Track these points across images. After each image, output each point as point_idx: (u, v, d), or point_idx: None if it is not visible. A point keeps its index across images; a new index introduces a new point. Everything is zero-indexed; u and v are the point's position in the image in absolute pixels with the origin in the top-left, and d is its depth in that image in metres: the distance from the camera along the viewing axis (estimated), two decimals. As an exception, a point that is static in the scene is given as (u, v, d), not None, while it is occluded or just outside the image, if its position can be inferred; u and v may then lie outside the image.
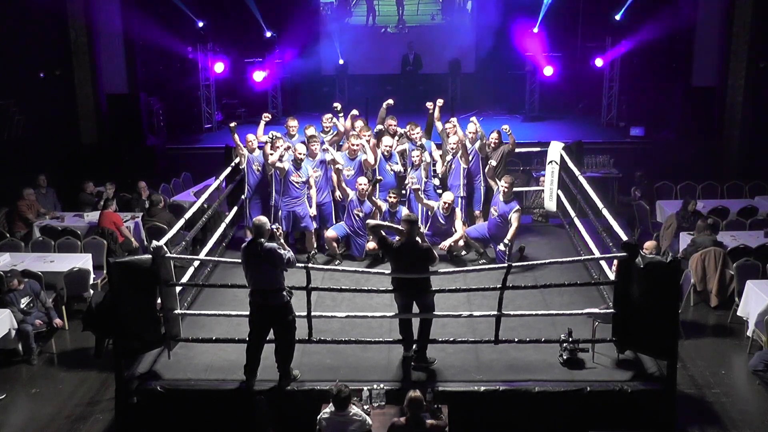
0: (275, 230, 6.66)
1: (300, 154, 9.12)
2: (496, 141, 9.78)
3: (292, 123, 10.17)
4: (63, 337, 9.05)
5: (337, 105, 10.15)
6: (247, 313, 6.61)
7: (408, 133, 9.88)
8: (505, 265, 7.13)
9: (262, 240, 6.44)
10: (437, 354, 7.09)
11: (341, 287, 7.94)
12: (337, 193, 9.49)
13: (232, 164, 9.99)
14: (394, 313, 7.18)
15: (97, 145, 15.38)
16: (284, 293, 6.46)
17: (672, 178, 13.01)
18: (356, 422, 5.76)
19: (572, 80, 17.47)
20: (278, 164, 9.11)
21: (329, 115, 10.17)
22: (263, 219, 6.60)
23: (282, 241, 6.65)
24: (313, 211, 9.34)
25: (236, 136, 9.81)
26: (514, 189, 9.12)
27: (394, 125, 10.07)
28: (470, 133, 9.79)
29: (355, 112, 10.19)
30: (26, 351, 8.41)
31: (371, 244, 9.14)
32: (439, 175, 9.75)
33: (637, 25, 15.81)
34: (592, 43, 16.98)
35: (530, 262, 8.65)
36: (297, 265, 6.66)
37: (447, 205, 9.16)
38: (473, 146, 9.71)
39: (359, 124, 10.05)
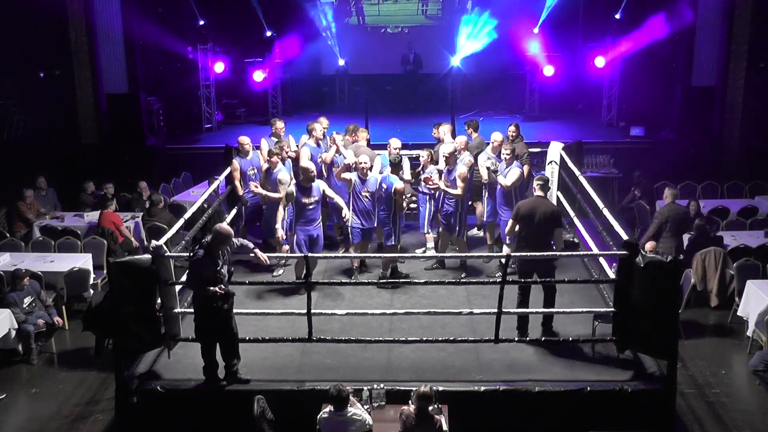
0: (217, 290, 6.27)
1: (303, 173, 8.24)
2: (514, 134, 9.79)
3: (280, 125, 9.75)
4: (63, 337, 9.06)
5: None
6: (246, 312, 6.65)
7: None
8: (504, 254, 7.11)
9: (203, 249, 6.33)
10: (437, 354, 7.11)
11: (341, 281, 7.92)
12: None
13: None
14: (393, 311, 7.22)
15: (97, 145, 15.36)
16: (196, 297, 6.49)
17: (672, 178, 12.99)
18: (356, 422, 5.76)
19: (572, 80, 17.45)
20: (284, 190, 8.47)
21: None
22: (225, 232, 6.36)
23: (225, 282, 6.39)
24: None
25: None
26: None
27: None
28: (494, 141, 9.31)
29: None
30: (26, 351, 8.41)
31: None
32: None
33: (638, 25, 15.79)
34: (593, 43, 16.97)
35: (530, 254, 8.62)
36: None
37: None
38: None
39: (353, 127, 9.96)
